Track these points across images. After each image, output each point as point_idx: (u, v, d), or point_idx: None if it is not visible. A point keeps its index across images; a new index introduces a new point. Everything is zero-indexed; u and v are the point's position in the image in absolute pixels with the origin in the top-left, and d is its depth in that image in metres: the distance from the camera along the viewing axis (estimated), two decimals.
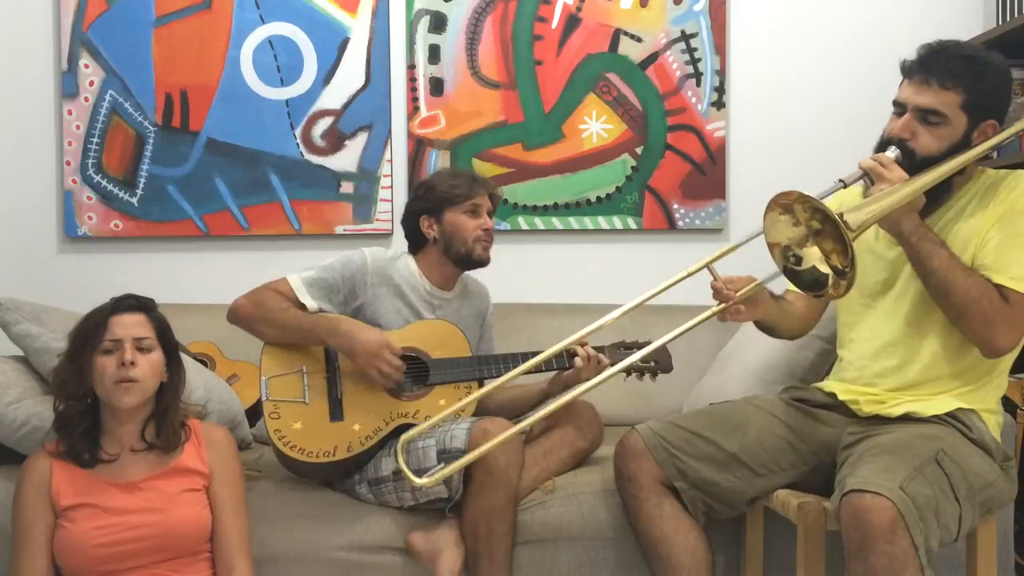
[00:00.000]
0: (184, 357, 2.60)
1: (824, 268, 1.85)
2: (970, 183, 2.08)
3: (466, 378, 2.41)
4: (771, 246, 1.88)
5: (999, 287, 1.94)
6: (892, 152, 1.98)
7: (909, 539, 1.73)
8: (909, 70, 2.04)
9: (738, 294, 2.06)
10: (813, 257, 1.86)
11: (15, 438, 2.29)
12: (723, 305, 2.07)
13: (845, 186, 1.92)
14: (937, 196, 2.04)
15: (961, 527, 1.88)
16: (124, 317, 2.04)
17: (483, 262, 2.53)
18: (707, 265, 2.07)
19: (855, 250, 1.75)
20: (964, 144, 2.00)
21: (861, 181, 1.96)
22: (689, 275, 2.08)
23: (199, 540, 2.04)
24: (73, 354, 2.03)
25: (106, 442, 2.04)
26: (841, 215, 1.75)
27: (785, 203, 1.82)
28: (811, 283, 1.87)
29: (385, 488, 2.32)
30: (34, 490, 2.00)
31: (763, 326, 2.24)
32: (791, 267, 1.88)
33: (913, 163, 1.97)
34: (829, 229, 1.80)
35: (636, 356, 2.22)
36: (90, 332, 2.02)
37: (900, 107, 2.04)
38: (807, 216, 1.82)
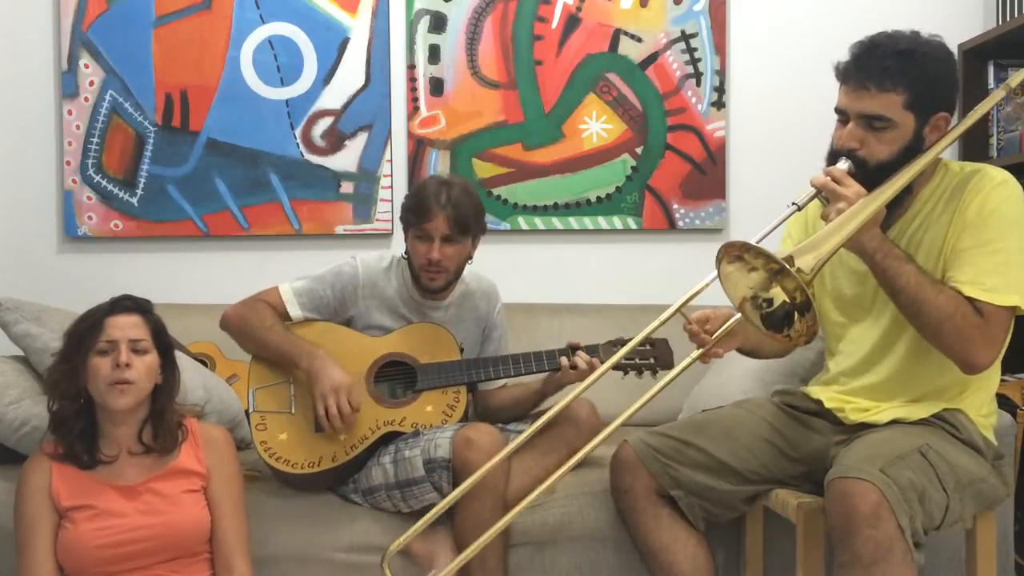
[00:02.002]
0: (184, 357, 2.60)
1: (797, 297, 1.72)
2: (932, 183, 1.98)
3: (454, 382, 2.38)
4: (740, 303, 1.74)
5: (972, 300, 1.84)
6: (844, 164, 1.87)
7: (894, 522, 1.71)
8: (844, 74, 1.92)
9: (714, 336, 1.96)
10: (781, 294, 1.72)
11: (15, 438, 2.30)
12: (701, 351, 1.97)
13: (799, 208, 1.84)
14: (899, 201, 1.93)
15: (947, 517, 1.85)
16: (120, 318, 2.03)
17: (428, 290, 2.43)
18: (680, 308, 1.94)
19: (812, 296, 1.64)
20: (916, 143, 1.89)
21: (817, 200, 1.86)
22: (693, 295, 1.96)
23: (199, 541, 2.04)
24: (68, 354, 2.02)
25: (103, 444, 2.04)
26: (791, 260, 1.62)
27: (733, 254, 1.70)
28: (784, 316, 1.73)
29: (379, 496, 2.31)
30: (35, 491, 1.99)
31: (744, 351, 2.19)
32: (766, 313, 1.73)
33: (867, 172, 1.87)
34: (786, 269, 1.67)
35: (623, 351, 2.11)
36: (85, 333, 2.01)
37: (843, 114, 1.93)
38: (762, 261, 1.69)
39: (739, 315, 1.84)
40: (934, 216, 1.96)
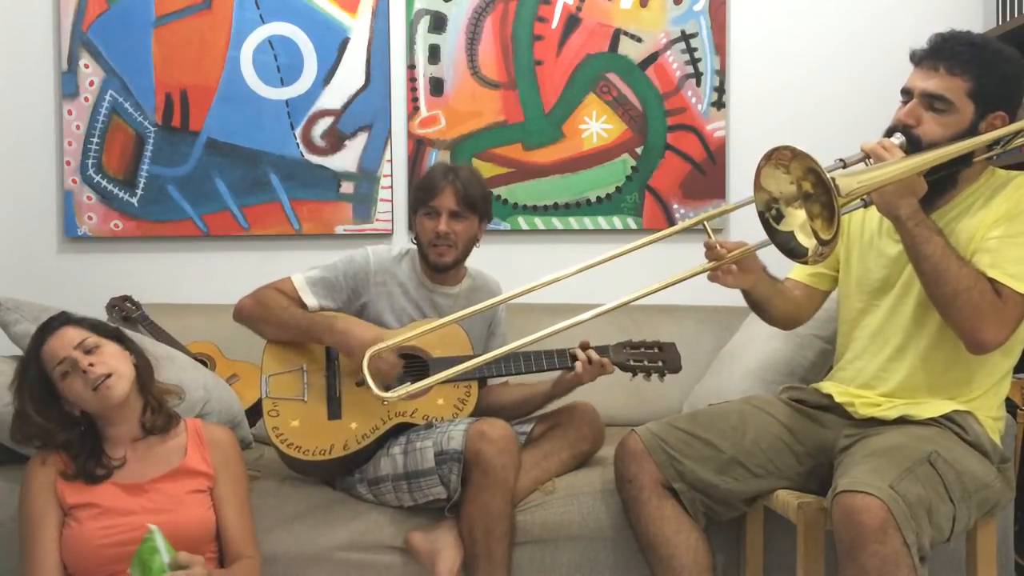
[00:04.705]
0: (184, 357, 2.61)
1: (803, 239, 1.78)
2: (978, 182, 2.03)
3: (466, 377, 2.38)
4: (760, 190, 1.80)
5: (993, 282, 1.88)
6: (897, 139, 1.92)
7: (900, 538, 1.72)
8: (919, 57, 2.00)
9: (730, 254, 2.02)
10: (796, 220, 1.78)
11: None
12: (714, 264, 2.03)
13: (845, 166, 1.86)
14: (942, 192, 2.00)
15: (955, 527, 1.86)
16: (53, 340, 2.01)
17: (437, 267, 2.49)
18: (703, 220, 2.08)
19: (841, 218, 1.68)
20: (970, 134, 1.94)
21: (862, 164, 1.89)
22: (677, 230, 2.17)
23: (204, 541, 2.05)
24: (39, 406, 2.00)
25: (108, 447, 2.05)
26: (833, 178, 1.68)
27: (783, 157, 1.75)
28: (783, 248, 1.81)
29: (384, 488, 2.32)
30: (40, 489, 2.00)
31: (753, 300, 2.19)
32: (770, 219, 1.81)
33: (917, 151, 1.91)
34: (820, 193, 1.73)
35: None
36: (36, 378, 2.00)
37: (907, 94, 1.99)
38: (800, 175, 1.74)
39: (751, 245, 2.01)
40: (972, 211, 2.00)
